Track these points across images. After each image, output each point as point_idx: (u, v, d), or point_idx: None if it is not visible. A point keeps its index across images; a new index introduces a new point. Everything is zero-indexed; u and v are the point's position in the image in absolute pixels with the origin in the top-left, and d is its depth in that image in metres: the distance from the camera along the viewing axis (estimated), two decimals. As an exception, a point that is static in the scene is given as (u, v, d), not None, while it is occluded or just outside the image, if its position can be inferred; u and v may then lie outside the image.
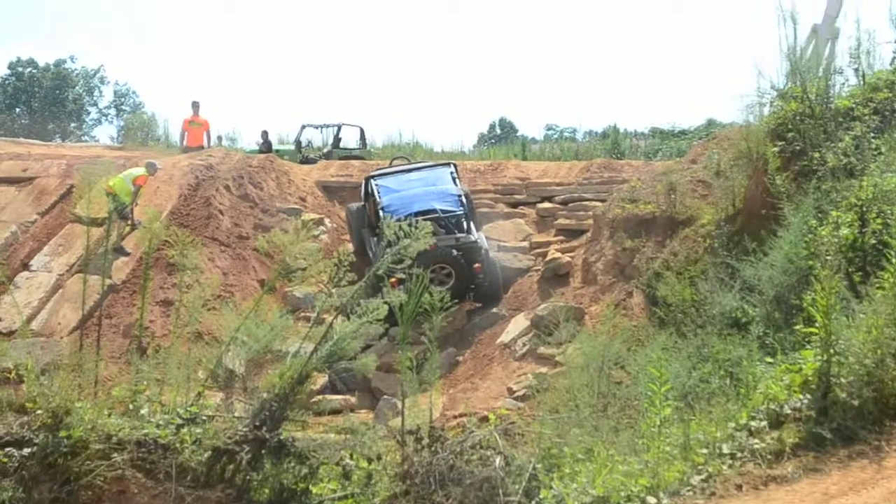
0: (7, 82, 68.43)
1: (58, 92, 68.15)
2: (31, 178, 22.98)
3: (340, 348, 9.79)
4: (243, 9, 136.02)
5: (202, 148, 27.52)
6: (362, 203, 21.56)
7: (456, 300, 11.77)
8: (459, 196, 19.99)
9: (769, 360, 9.22)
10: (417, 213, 17.71)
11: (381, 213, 19.08)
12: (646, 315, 14.77)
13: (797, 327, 9.33)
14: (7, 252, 19.64)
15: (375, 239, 18.99)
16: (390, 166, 23.31)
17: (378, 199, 19.86)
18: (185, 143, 29.02)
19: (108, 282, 16.73)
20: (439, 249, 17.94)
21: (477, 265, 18.80)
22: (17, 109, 67.45)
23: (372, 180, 20.80)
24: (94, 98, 72.43)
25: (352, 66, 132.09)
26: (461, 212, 19.67)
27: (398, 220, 9.91)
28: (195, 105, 29.20)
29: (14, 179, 23.08)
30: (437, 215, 18.71)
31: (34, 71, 69.04)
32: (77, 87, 70.80)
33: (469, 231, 19.47)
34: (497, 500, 7.88)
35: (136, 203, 19.63)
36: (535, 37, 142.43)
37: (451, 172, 20.93)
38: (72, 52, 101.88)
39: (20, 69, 68.88)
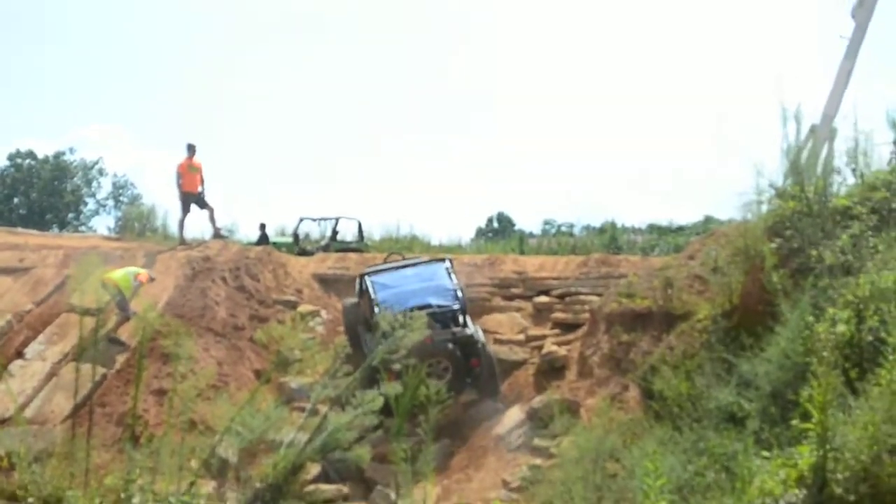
0: (6, 173, 68.80)
1: (56, 183, 68.49)
2: (28, 268, 23.05)
3: (335, 439, 9.82)
4: (240, 104, 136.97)
5: (199, 195, 26.79)
6: (356, 300, 21.55)
7: (451, 393, 11.79)
8: (455, 291, 19.88)
9: (765, 454, 9.17)
10: (413, 309, 17.71)
11: (376, 309, 18.77)
12: (641, 409, 14.70)
13: (793, 422, 9.26)
14: (2, 340, 19.65)
15: (370, 335, 18.82)
16: (385, 262, 23.28)
17: (373, 296, 19.55)
18: (182, 189, 26.71)
19: (101, 370, 16.72)
20: (435, 344, 17.75)
21: (474, 360, 18.65)
22: (16, 200, 67.75)
23: (366, 277, 20.59)
24: (93, 189, 72.73)
25: (350, 160, 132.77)
26: (457, 307, 19.54)
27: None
28: (191, 148, 26.96)
29: (10, 269, 23.10)
30: (432, 310, 18.64)
31: (33, 162, 69.46)
32: (75, 179, 71.16)
33: (465, 325, 19.42)
34: None
35: (134, 296, 19.69)
36: (533, 132, 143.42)
37: (447, 268, 20.81)
38: (70, 144, 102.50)
39: (19, 160, 69.33)
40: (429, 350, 17.22)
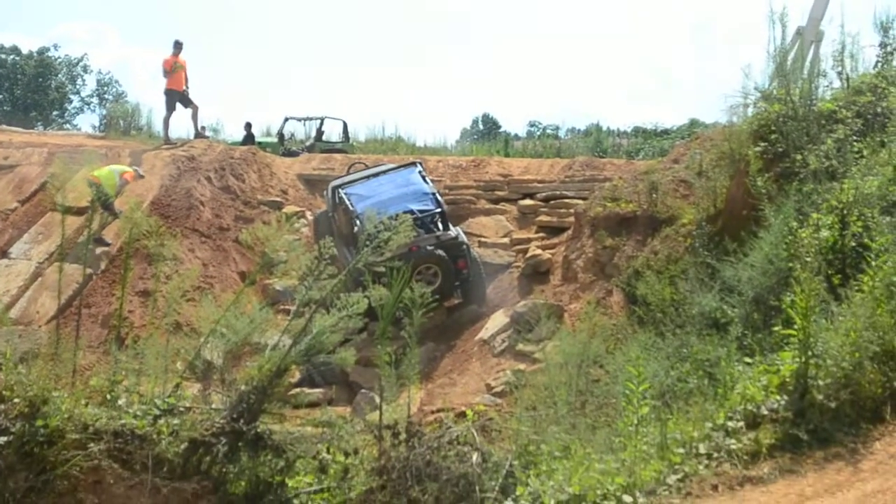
0: (-11, 69, 67.81)
1: (40, 80, 67.40)
2: (13, 166, 22.94)
3: (319, 342, 9.79)
4: (229, 2, 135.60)
5: (184, 93, 26.69)
6: (326, 211, 21.47)
7: (437, 297, 11.77)
8: (433, 194, 19.77)
9: (748, 360, 9.23)
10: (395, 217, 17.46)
11: (357, 222, 18.66)
12: (625, 314, 14.74)
13: (776, 329, 9.33)
14: (-14, 239, 19.61)
15: (349, 249, 18.29)
16: (348, 173, 22.92)
17: (351, 208, 19.35)
18: (167, 86, 26.58)
19: (87, 271, 16.69)
20: (422, 250, 17.77)
21: (461, 261, 18.71)
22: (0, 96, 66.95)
23: (340, 189, 20.34)
24: (77, 86, 71.63)
25: (337, 59, 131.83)
26: (438, 210, 19.45)
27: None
28: (177, 45, 26.67)
29: (-5, 167, 22.99)
30: (415, 216, 18.30)
31: (17, 58, 68.35)
32: (60, 76, 70.11)
33: (447, 228, 19.40)
34: (473, 497, 7.89)
35: (119, 194, 19.51)
36: (520, 33, 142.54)
37: (420, 171, 20.62)
38: (55, 40, 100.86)
39: (2, 56, 68.26)
40: (417, 256, 17.17)
